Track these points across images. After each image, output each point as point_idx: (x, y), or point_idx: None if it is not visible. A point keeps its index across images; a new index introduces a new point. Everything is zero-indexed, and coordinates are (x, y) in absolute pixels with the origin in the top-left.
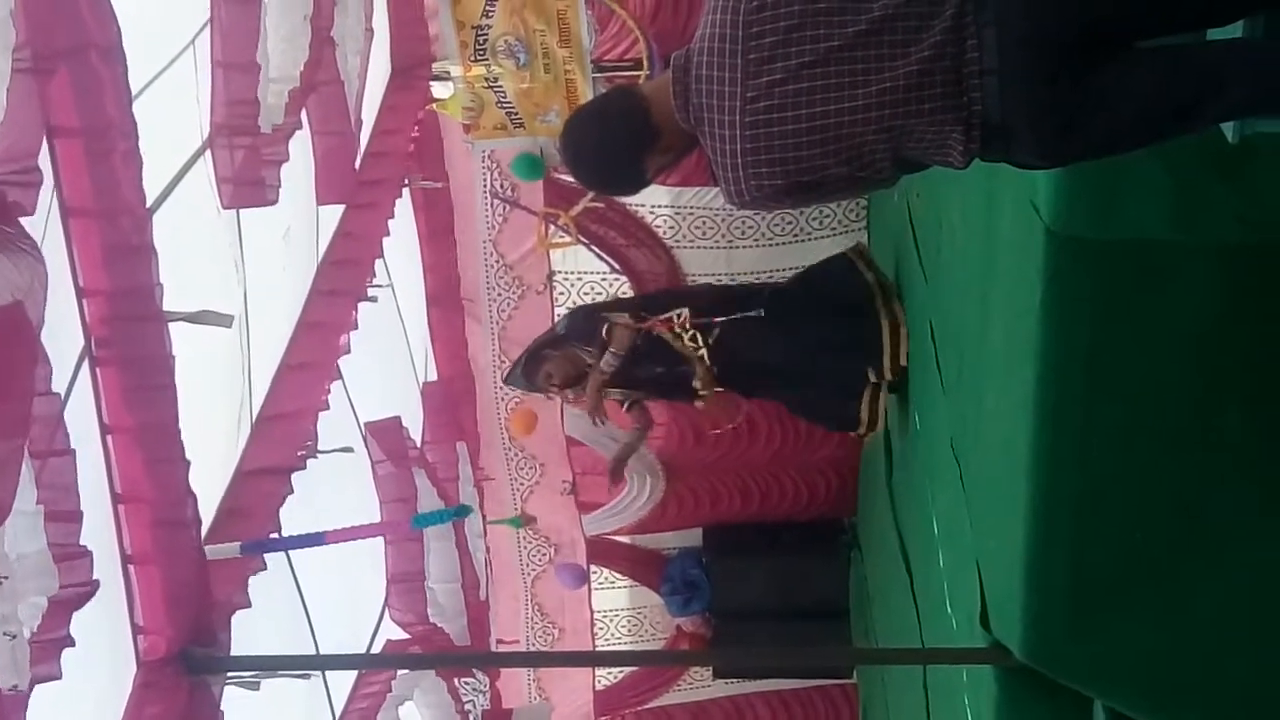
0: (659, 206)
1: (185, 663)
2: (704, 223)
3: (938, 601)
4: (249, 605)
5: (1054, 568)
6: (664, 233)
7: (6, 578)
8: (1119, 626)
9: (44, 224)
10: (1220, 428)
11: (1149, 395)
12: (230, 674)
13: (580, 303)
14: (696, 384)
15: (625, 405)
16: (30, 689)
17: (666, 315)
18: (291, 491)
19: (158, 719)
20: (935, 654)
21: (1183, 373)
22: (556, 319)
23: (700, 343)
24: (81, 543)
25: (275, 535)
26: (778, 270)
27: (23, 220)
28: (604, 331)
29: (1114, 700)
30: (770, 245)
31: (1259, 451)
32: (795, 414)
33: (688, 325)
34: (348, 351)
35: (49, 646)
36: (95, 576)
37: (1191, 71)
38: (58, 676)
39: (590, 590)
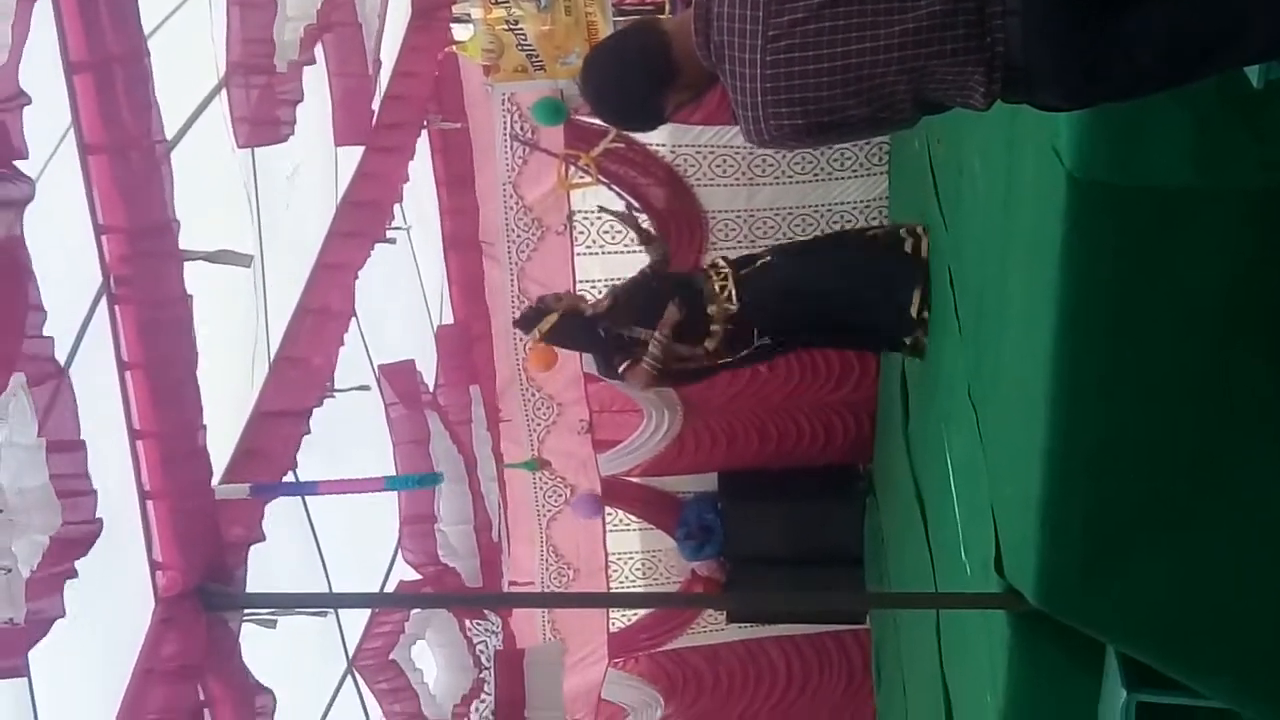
0: (680, 145)
1: (202, 599)
2: (724, 161)
3: (952, 548)
4: (263, 538)
5: (1069, 514)
6: (684, 171)
7: (1, 510)
8: (1133, 573)
9: (45, 158)
10: (1241, 374)
11: (1169, 341)
12: (247, 611)
13: (600, 243)
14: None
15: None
16: (33, 624)
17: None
18: (309, 432)
19: (177, 655)
20: (948, 599)
21: (1204, 319)
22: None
23: (735, 298)
24: (90, 478)
25: (288, 478)
26: (798, 208)
27: (34, 157)
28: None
29: (1127, 646)
30: (790, 183)
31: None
32: (843, 345)
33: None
34: (365, 294)
35: (51, 581)
36: (107, 513)
37: (1216, 13)
38: (61, 614)
39: (605, 532)
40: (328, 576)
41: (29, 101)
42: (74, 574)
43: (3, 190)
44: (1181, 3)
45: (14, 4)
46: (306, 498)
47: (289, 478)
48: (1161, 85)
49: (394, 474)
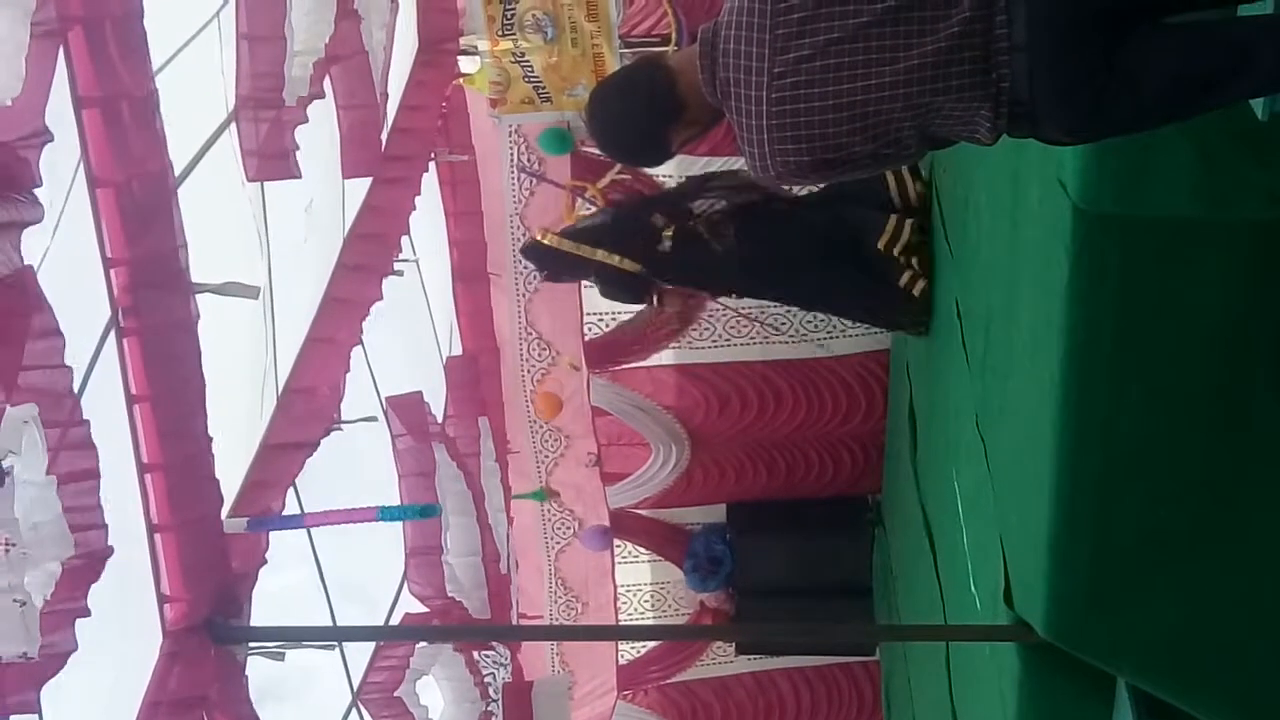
0: (686, 176)
1: (210, 632)
2: None
3: (961, 579)
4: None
5: (1078, 545)
6: None
7: (14, 544)
8: (1143, 604)
9: (66, 193)
10: (1248, 406)
11: (1176, 373)
12: (254, 644)
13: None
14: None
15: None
16: (47, 659)
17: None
18: (314, 452)
19: (184, 689)
20: (958, 631)
21: (1211, 351)
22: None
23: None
24: (101, 512)
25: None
26: None
27: (48, 188)
28: (655, 299)
29: (1137, 678)
30: None
31: None
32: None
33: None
34: (372, 326)
35: (63, 615)
36: (118, 545)
37: (1220, 47)
38: (73, 648)
39: (614, 564)
40: (331, 610)
41: (50, 139)
42: (86, 612)
43: (12, 212)
44: (1186, 37)
45: (27, 39)
46: (312, 531)
47: (289, 501)
48: (1167, 119)
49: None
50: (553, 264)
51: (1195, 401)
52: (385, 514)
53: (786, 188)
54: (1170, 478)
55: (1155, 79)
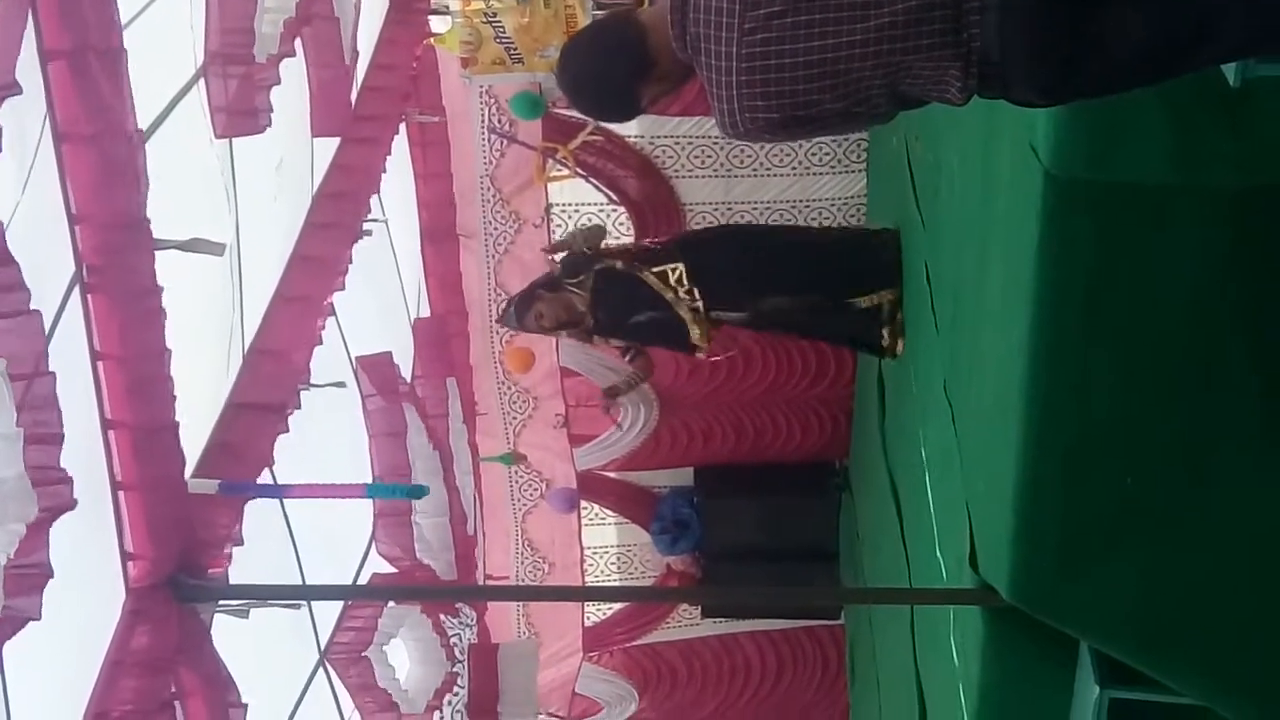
0: (658, 136)
1: (174, 590)
2: (703, 152)
3: (927, 544)
4: (241, 534)
5: (1044, 510)
6: (662, 162)
7: None
8: (1108, 570)
9: (34, 148)
10: (1219, 372)
11: (1147, 339)
12: (219, 602)
13: None
14: (695, 340)
15: (628, 356)
16: (9, 620)
17: (660, 269)
18: (287, 430)
19: (148, 647)
20: (923, 594)
21: (1181, 316)
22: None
23: (695, 297)
24: (64, 467)
25: (263, 476)
26: (775, 201)
27: (16, 143)
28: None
29: (1101, 642)
30: (769, 176)
31: (1258, 396)
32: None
33: (683, 281)
34: (341, 286)
35: (28, 575)
36: (81, 501)
37: (1192, 11)
38: (36, 616)
39: (580, 526)
40: (301, 568)
41: (19, 91)
42: (51, 574)
43: None
44: (1158, 1)
45: None
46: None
47: (266, 474)
48: (1138, 82)
49: (370, 471)
50: (529, 287)
51: (1166, 369)
52: (373, 491)
53: None
54: (1140, 446)
55: (1125, 43)
